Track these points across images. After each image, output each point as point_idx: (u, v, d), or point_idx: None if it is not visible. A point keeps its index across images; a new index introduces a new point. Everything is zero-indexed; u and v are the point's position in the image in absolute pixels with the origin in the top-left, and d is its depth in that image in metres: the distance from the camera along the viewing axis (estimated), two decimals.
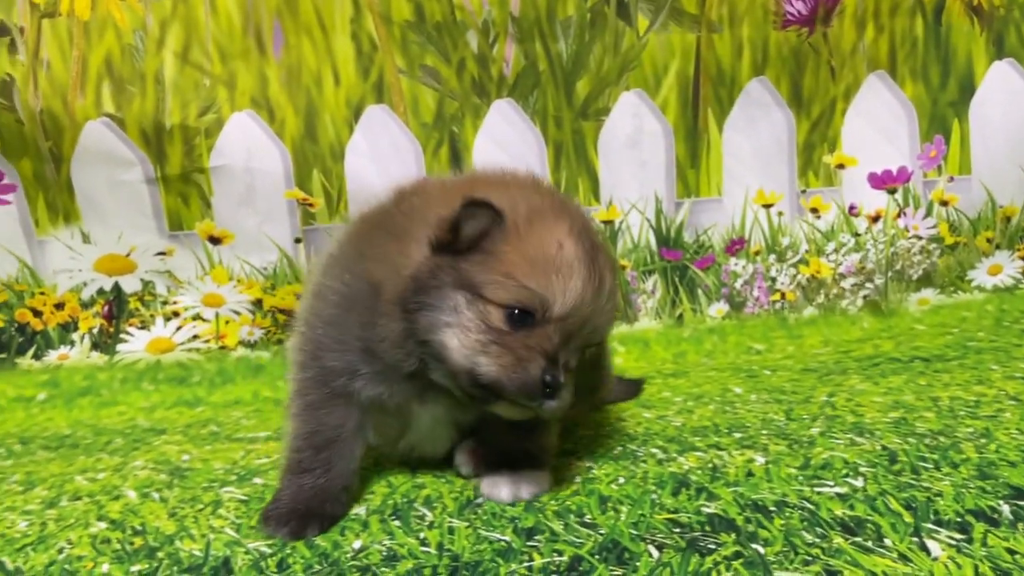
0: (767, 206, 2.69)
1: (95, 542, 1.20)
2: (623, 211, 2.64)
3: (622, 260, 2.65)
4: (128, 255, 2.55)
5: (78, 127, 2.45)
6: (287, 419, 1.29)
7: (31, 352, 2.55)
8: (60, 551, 1.17)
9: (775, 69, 2.64)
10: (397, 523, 1.19)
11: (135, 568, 1.09)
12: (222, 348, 2.56)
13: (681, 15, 2.58)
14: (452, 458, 1.39)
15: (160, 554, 1.13)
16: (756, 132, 2.65)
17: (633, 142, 2.62)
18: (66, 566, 1.11)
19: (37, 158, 2.47)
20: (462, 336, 1.05)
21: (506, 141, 2.56)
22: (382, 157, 2.51)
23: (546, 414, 1.06)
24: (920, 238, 2.71)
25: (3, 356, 2.55)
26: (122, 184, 2.49)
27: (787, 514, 1.10)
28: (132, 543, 1.18)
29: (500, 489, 1.24)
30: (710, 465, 1.34)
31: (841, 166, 2.70)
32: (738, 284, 2.67)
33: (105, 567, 1.10)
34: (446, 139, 2.56)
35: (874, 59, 2.67)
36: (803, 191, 2.70)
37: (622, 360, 2.40)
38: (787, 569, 0.94)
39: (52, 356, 2.55)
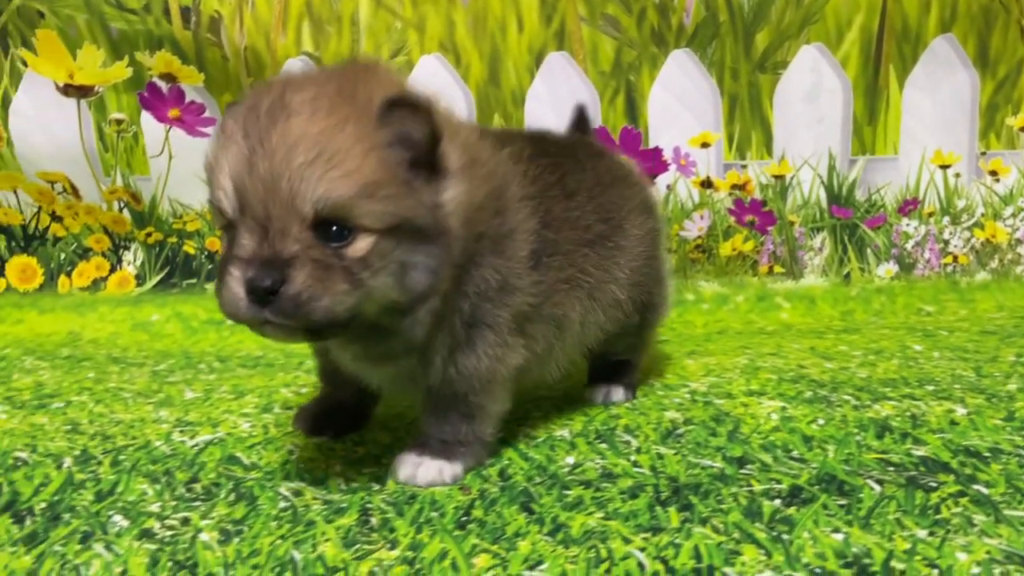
0: (944, 167, 2.63)
1: (321, 448, 1.28)
2: (795, 166, 2.64)
3: (791, 215, 2.65)
4: None
5: (279, 65, 2.61)
6: None
7: None
8: (291, 452, 1.26)
9: (962, 27, 2.56)
10: (604, 446, 1.24)
11: (367, 470, 1.17)
12: None
13: None
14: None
15: (384, 460, 1.20)
16: (938, 91, 2.59)
17: (810, 97, 2.59)
18: (300, 464, 1.21)
19: (238, 93, 2.64)
20: None
21: (682, 91, 2.58)
22: (561, 104, 2.57)
23: (295, 321, 0.88)
24: None
25: (193, 281, 2.76)
26: None
27: (1003, 460, 1.12)
28: (356, 452, 1.27)
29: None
30: (908, 413, 1.35)
31: None
32: (909, 245, 2.63)
33: (338, 467, 1.19)
34: (623, 88, 2.61)
35: None
36: (983, 153, 2.62)
37: (787, 315, 2.42)
38: (1017, 508, 0.97)
39: None
